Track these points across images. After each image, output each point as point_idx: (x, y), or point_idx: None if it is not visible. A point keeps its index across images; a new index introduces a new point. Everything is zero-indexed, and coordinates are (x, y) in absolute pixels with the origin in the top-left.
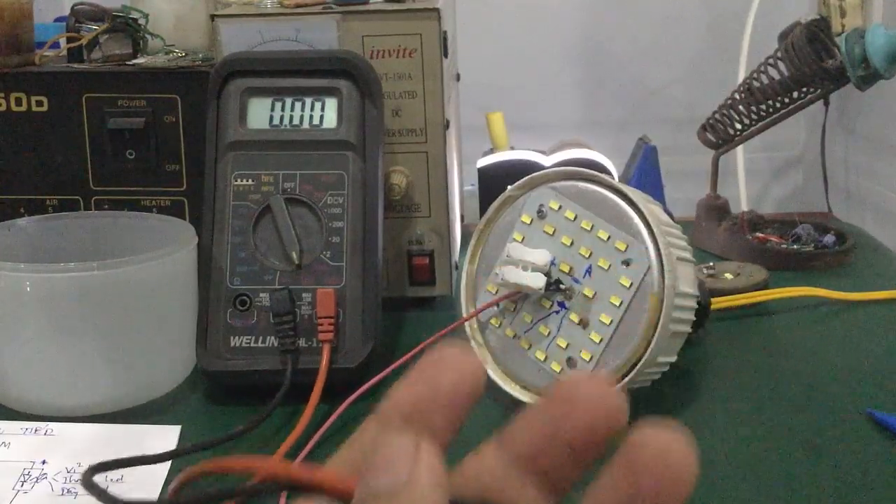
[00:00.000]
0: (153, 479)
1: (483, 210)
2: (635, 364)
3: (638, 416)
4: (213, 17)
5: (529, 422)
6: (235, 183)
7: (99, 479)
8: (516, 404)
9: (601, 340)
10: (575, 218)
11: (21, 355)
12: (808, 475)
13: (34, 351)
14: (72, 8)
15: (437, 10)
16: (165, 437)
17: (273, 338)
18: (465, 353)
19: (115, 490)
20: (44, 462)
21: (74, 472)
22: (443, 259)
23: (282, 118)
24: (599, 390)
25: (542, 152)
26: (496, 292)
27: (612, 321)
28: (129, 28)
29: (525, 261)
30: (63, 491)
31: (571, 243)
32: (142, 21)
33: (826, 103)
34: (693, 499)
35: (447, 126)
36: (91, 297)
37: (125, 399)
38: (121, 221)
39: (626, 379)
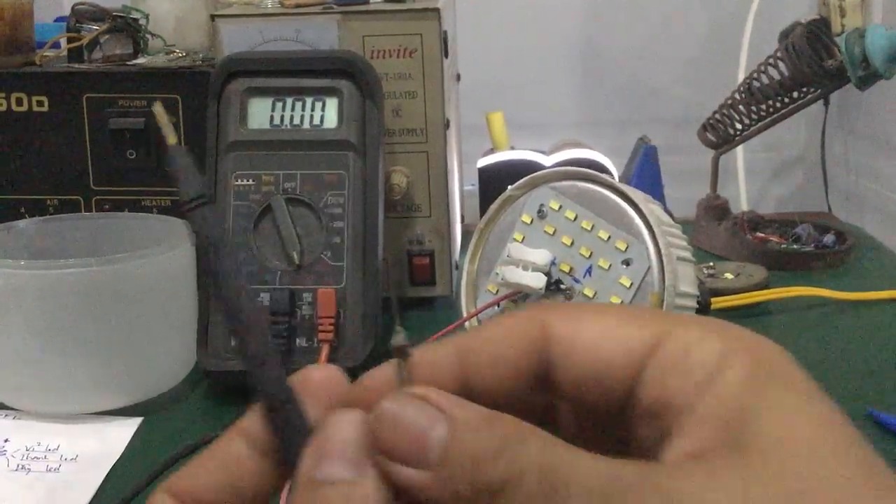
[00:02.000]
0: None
1: (483, 210)
2: None
3: None
4: (213, 17)
5: None
6: (236, 183)
7: (40, 466)
8: None
9: None
10: (575, 218)
11: (18, 353)
12: None
13: (32, 349)
14: (72, 8)
15: (437, 10)
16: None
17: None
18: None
19: (61, 473)
20: (6, 440)
21: (32, 451)
22: (443, 259)
23: (282, 118)
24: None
25: (542, 152)
26: (496, 292)
27: None
28: (129, 28)
29: (525, 261)
30: (18, 467)
31: (572, 243)
32: (142, 21)
33: (826, 103)
34: None
35: (447, 126)
36: (89, 293)
37: (123, 397)
38: (121, 222)
39: None
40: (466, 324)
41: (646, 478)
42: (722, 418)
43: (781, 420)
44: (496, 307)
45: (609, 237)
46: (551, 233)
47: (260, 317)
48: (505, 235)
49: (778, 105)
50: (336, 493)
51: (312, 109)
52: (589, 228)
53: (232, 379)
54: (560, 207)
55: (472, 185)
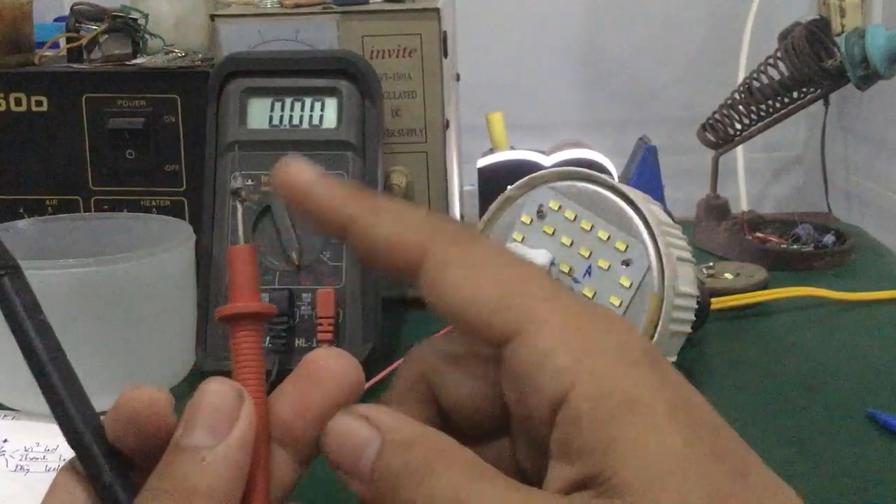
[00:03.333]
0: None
1: (483, 210)
2: None
3: None
4: (213, 17)
5: (282, 398)
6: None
7: (38, 466)
8: None
9: None
10: (575, 218)
11: (16, 354)
12: (808, 475)
13: None
14: (72, 8)
15: (437, 10)
16: None
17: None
18: (343, 358)
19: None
20: (5, 440)
21: (31, 451)
22: None
23: (281, 118)
24: (343, 365)
25: (542, 152)
26: None
27: None
28: (128, 28)
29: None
30: (16, 468)
31: (571, 243)
32: (141, 21)
33: (826, 103)
34: None
35: (447, 126)
36: (89, 293)
37: None
38: (120, 222)
39: None
40: None
41: None
42: (583, 453)
43: (637, 457)
44: None
45: (609, 237)
46: (551, 233)
47: (71, 376)
48: (504, 235)
49: (778, 105)
50: (191, 457)
51: (312, 109)
52: (588, 228)
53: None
54: (560, 208)
55: (472, 185)
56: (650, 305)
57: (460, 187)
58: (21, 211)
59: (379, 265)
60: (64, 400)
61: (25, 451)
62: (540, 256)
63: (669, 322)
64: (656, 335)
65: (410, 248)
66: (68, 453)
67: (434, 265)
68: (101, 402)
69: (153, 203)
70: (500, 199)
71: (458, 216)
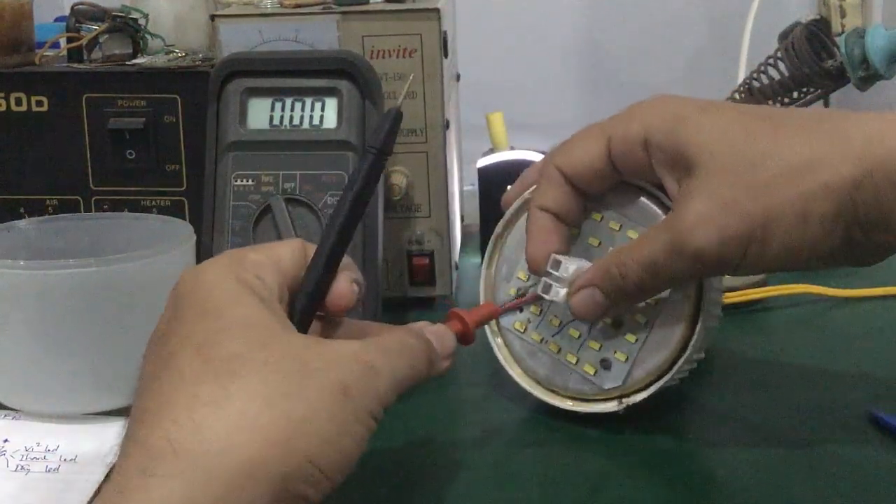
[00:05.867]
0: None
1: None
2: (674, 362)
3: (635, 416)
4: (213, 17)
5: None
6: (235, 183)
7: (39, 466)
8: (547, 408)
9: (637, 340)
10: (601, 219)
11: (18, 353)
12: (808, 475)
13: (31, 349)
14: (72, 8)
15: (437, 10)
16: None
17: None
18: None
19: (61, 473)
20: (5, 440)
21: (32, 451)
22: (443, 259)
23: (282, 118)
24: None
25: (543, 152)
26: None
27: (647, 320)
28: (129, 28)
29: (568, 278)
30: (17, 467)
31: (599, 244)
32: (142, 21)
33: (826, 104)
34: (692, 498)
35: (447, 126)
36: (89, 293)
37: (123, 398)
38: (120, 222)
39: (667, 377)
40: (486, 328)
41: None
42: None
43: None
44: (518, 311)
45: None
46: (575, 235)
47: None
48: (523, 239)
49: (778, 105)
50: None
51: (312, 109)
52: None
53: None
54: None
55: (472, 185)
56: (686, 301)
57: (460, 187)
58: (21, 211)
59: None
60: (326, 251)
61: (26, 451)
62: (581, 264)
63: (707, 316)
64: (697, 329)
65: None
66: (69, 453)
67: None
68: (101, 401)
69: (153, 203)
70: (518, 201)
71: (458, 216)
